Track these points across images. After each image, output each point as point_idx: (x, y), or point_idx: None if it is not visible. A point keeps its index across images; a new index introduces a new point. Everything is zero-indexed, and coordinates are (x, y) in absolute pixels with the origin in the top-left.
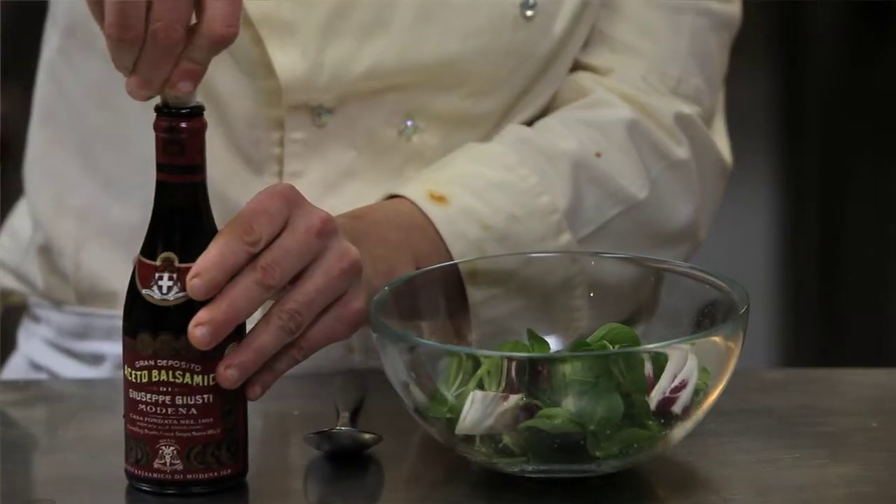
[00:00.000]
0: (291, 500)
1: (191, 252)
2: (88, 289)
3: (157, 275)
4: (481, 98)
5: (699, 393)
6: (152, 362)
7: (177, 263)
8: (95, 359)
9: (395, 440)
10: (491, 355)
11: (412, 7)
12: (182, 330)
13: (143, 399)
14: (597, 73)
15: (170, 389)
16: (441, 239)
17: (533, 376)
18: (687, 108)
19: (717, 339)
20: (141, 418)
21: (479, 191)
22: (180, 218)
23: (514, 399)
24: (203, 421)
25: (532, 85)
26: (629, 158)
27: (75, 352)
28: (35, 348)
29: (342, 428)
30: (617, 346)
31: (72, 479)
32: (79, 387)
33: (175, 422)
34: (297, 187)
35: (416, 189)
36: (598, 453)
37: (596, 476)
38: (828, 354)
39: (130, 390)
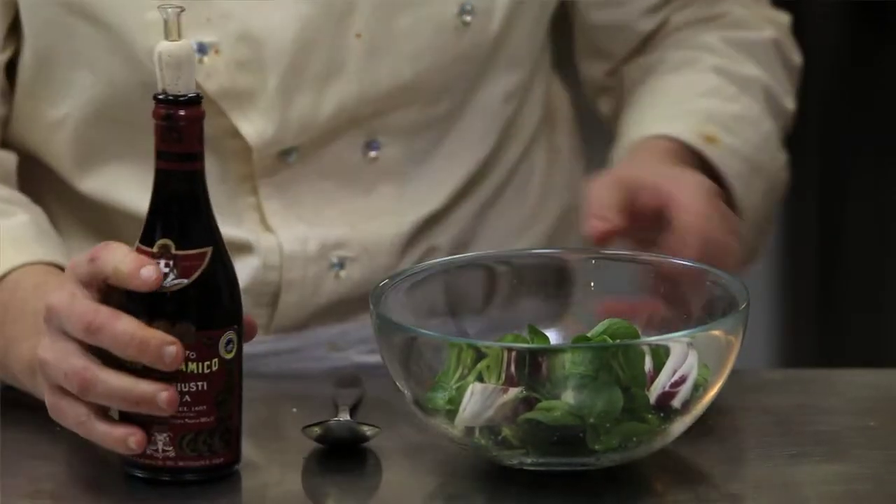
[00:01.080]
0: (289, 492)
1: (188, 239)
2: None
3: (154, 262)
4: (435, 105)
5: (699, 388)
6: None
7: (174, 251)
8: None
9: (393, 433)
10: (491, 346)
11: (361, 45)
12: (178, 317)
13: None
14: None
15: (164, 376)
16: (716, 177)
17: (533, 369)
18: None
19: (717, 333)
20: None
21: (728, 125)
22: (178, 206)
23: (513, 392)
24: (196, 408)
25: (480, 77)
26: (782, 76)
27: None
28: None
29: (341, 419)
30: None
31: (72, 477)
32: None
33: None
34: (281, 222)
35: (688, 133)
36: (597, 446)
37: (595, 470)
38: (827, 354)
39: None
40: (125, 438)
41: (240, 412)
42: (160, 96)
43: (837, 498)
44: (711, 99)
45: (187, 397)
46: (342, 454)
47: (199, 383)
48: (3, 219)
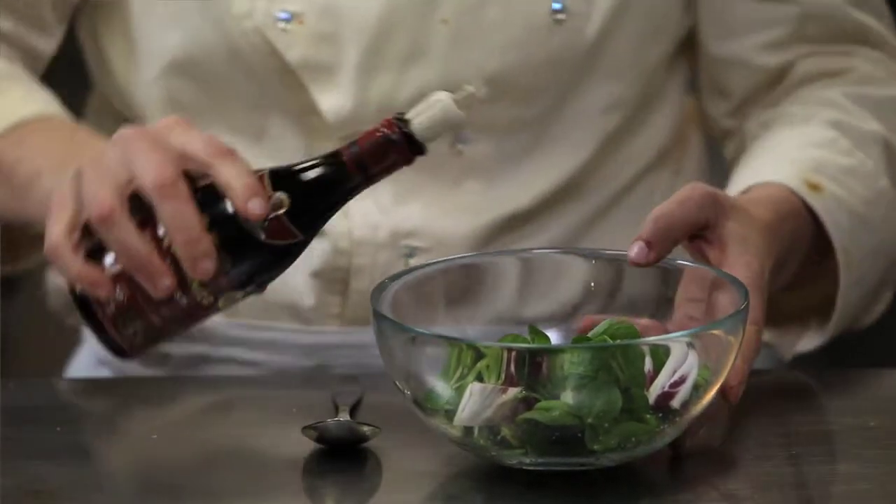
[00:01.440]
0: (289, 493)
1: (299, 216)
2: None
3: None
4: (526, 105)
5: (699, 389)
6: None
7: (280, 210)
8: (162, 358)
9: (393, 434)
10: (491, 346)
11: (447, 31)
12: (229, 251)
13: None
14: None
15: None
16: (818, 227)
17: (532, 368)
18: None
19: (717, 333)
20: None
21: (837, 177)
22: (320, 190)
23: (512, 392)
24: (179, 318)
25: (578, 84)
26: None
27: None
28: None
29: (340, 419)
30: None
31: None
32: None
33: (159, 304)
34: (358, 207)
35: (793, 178)
36: (595, 446)
37: (595, 469)
38: (829, 354)
39: None
40: (94, 285)
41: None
42: (401, 117)
43: (837, 498)
44: (822, 150)
45: (181, 306)
46: (342, 454)
47: (195, 305)
48: None
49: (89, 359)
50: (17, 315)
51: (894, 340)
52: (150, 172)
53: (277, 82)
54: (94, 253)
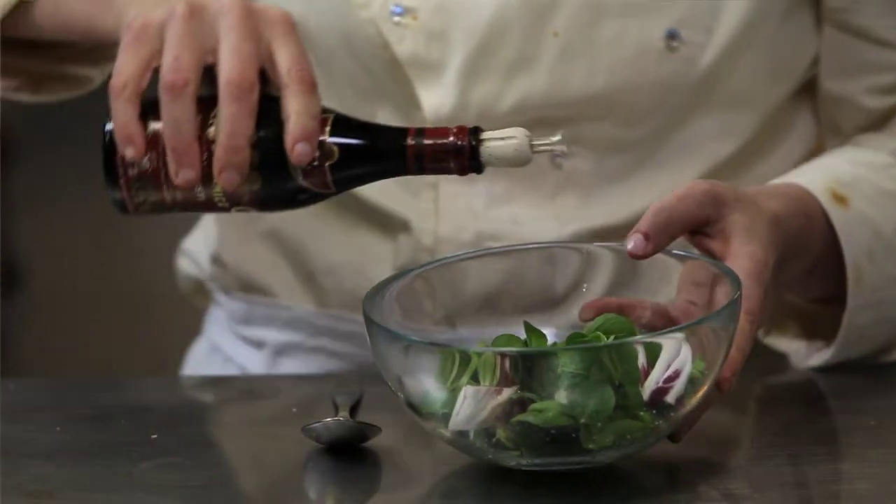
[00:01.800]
0: (289, 492)
1: (343, 172)
2: (245, 279)
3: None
4: (630, 126)
5: (694, 382)
6: None
7: (328, 161)
8: (258, 343)
9: (393, 433)
10: (482, 352)
11: (557, 44)
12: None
13: None
14: None
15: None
16: (834, 238)
17: (525, 369)
18: None
19: (710, 326)
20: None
21: (872, 197)
22: (373, 158)
23: (507, 393)
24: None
25: (688, 111)
26: None
27: (243, 335)
28: (215, 331)
29: (340, 419)
30: (611, 337)
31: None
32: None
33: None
34: (450, 207)
35: (817, 184)
36: (591, 445)
37: (594, 469)
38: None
39: None
40: (129, 143)
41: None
42: (476, 132)
43: (838, 497)
44: (869, 170)
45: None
46: (342, 454)
47: (202, 195)
48: None
49: (205, 348)
50: (17, 315)
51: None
52: (233, 67)
53: (386, 74)
54: (145, 107)
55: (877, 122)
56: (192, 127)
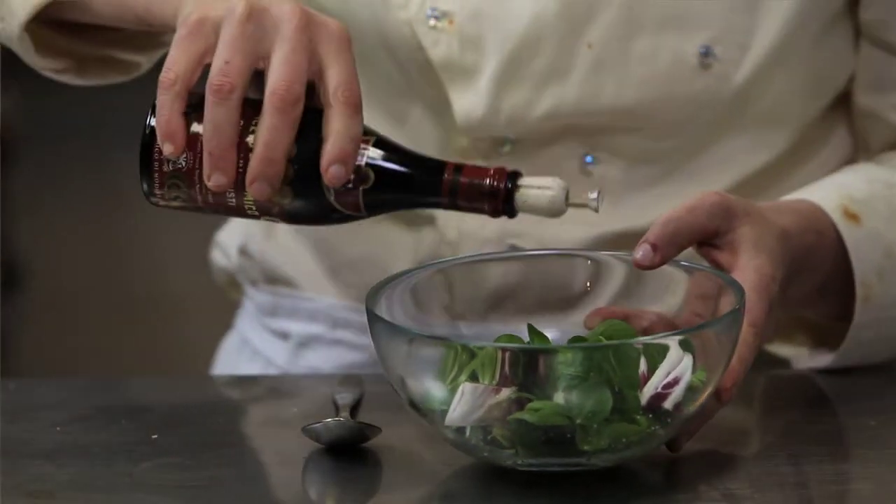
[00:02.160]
0: (289, 492)
1: (376, 197)
2: (270, 271)
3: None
4: (661, 139)
5: (693, 390)
6: None
7: (364, 183)
8: (283, 335)
9: (393, 434)
10: (484, 346)
11: (591, 56)
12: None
13: None
14: None
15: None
16: (845, 255)
17: (525, 369)
18: None
19: (711, 333)
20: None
21: (886, 216)
22: (408, 187)
23: (505, 392)
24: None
25: (720, 127)
26: None
27: (269, 327)
28: (245, 324)
29: (341, 419)
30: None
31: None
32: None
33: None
34: None
35: (830, 201)
36: (586, 447)
37: (594, 469)
38: None
39: None
40: (169, 139)
41: None
42: (514, 176)
43: (838, 497)
44: (886, 189)
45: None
46: (342, 454)
47: (233, 200)
48: None
49: (235, 341)
50: (17, 315)
51: None
52: (281, 78)
53: (420, 75)
54: (191, 104)
55: None
56: (231, 133)
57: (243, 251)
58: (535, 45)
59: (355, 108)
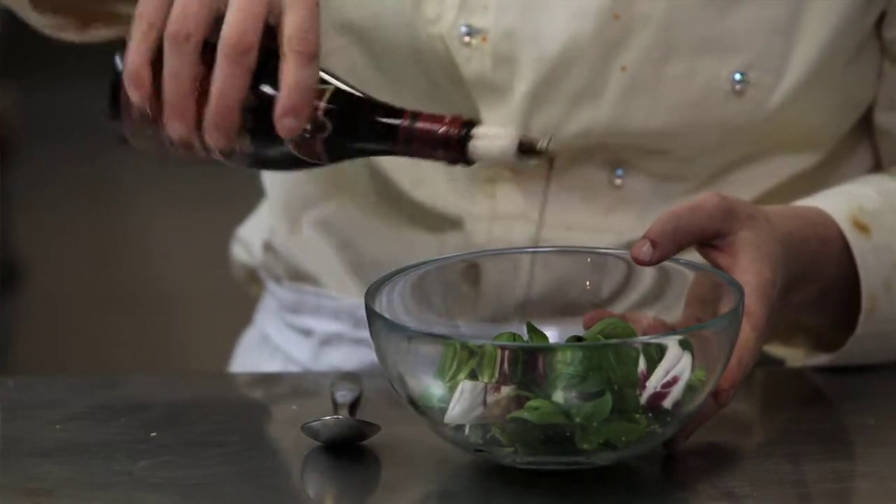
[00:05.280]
0: (288, 490)
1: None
2: (294, 268)
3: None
4: (690, 160)
5: (693, 389)
6: None
7: (322, 132)
8: (306, 332)
9: (392, 431)
10: (483, 344)
11: (624, 78)
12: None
13: None
14: None
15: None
16: (852, 265)
17: (524, 367)
18: None
19: (709, 332)
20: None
21: (892, 225)
22: (362, 113)
23: (504, 390)
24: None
25: (751, 149)
26: None
27: (292, 324)
28: (266, 319)
29: (340, 417)
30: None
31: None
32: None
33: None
34: (505, 214)
35: (840, 210)
36: (585, 446)
37: (590, 468)
38: None
39: None
40: (134, 84)
41: None
42: (470, 125)
43: (837, 496)
44: (893, 200)
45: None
46: (341, 452)
47: (197, 144)
48: None
49: (255, 337)
50: (17, 315)
51: None
52: (234, 26)
53: (452, 90)
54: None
55: None
56: (187, 80)
57: (268, 247)
58: (570, 67)
59: (309, 56)
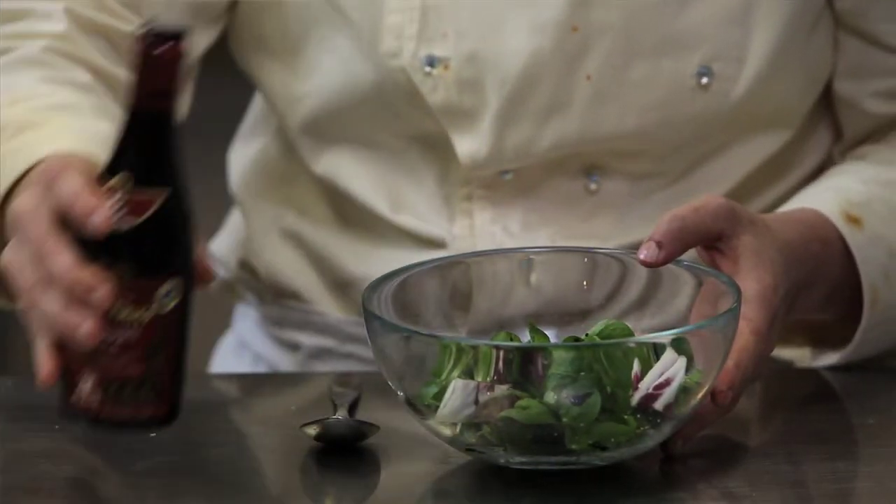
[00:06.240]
0: (288, 490)
1: (144, 180)
2: (275, 286)
3: (105, 204)
4: (664, 157)
5: (687, 391)
6: None
7: (126, 189)
8: (293, 346)
9: (391, 431)
10: (478, 344)
11: (590, 87)
12: (116, 259)
13: None
14: None
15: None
16: (851, 259)
17: (519, 367)
18: None
19: (706, 332)
20: (70, 346)
21: (886, 216)
22: (141, 143)
23: (497, 389)
24: (125, 357)
25: (724, 138)
26: None
27: (278, 337)
28: (245, 329)
29: (339, 417)
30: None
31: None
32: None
33: (97, 354)
34: (486, 231)
35: (830, 207)
36: (574, 446)
37: (592, 469)
38: None
39: None
40: (42, 370)
41: (178, 368)
42: (143, 29)
43: (837, 496)
44: (881, 188)
45: (117, 343)
46: (340, 452)
47: (130, 331)
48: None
49: (232, 343)
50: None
51: None
52: (27, 244)
53: (420, 121)
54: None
55: (878, 131)
56: (55, 301)
57: (245, 266)
58: (535, 83)
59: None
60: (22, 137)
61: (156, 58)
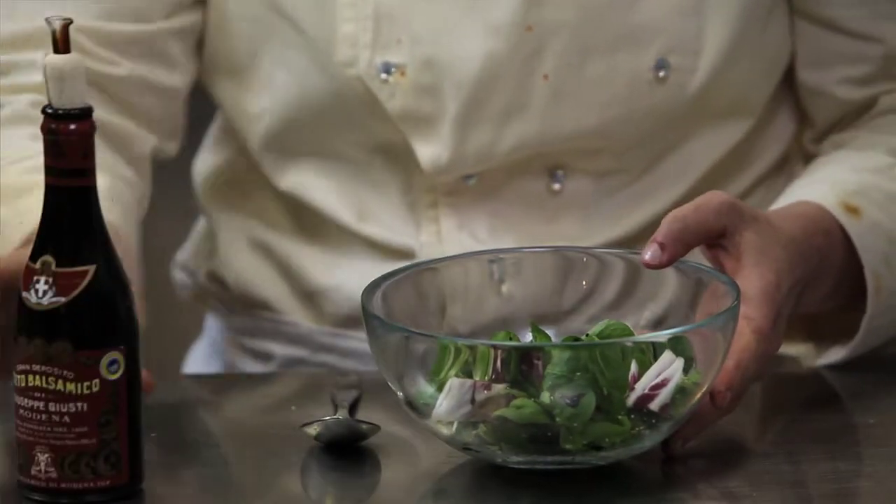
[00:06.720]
0: (288, 490)
1: (69, 257)
2: (247, 297)
3: (35, 278)
4: (626, 152)
5: (685, 392)
6: (28, 366)
7: (54, 268)
8: (265, 356)
9: (391, 431)
10: (476, 344)
11: (548, 87)
12: (54, 336)
13: (22, 403)
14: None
15: (43, 395)
16: (852, 249)
17: (516, 367)
18: None
19: (705, 332)
20: (21, 423)
21: (882, 203)
22: (62, 222)
23: (493, 388)
24: (77, 430)
25: (685, 129)
26: None
27: (250, 348)
28: (217, 337)
29: (339, 417)
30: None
31: None
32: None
33: (49, 429)
34: (454, 238)
35: (827, 198)
36: (568, 446)
37: (592, 469)
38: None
39: (14, 394)
40: None
41: (133, 433)
42: (47, 110)
43: (837, 495)
44: (872, 175)
45: (66, 418)
46: (340, 452)
47: (79, 404)
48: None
49: (206, 350)
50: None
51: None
52: None
53: (380, 128)
54: None
55: (849, 115)
56: None
57: (214, 277)
58: (492, 85)
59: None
60: (17, 204)
61: (64, 137)
